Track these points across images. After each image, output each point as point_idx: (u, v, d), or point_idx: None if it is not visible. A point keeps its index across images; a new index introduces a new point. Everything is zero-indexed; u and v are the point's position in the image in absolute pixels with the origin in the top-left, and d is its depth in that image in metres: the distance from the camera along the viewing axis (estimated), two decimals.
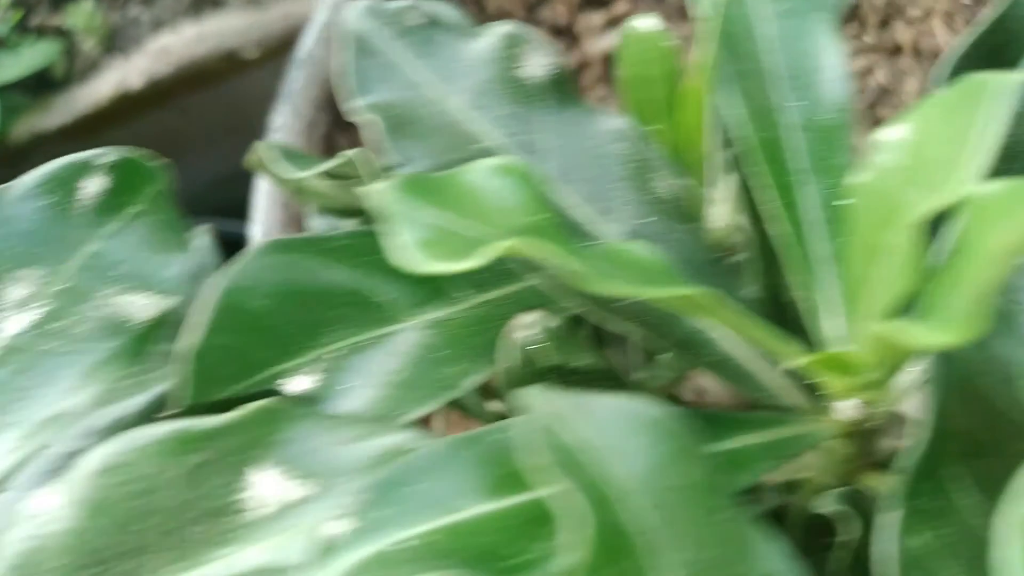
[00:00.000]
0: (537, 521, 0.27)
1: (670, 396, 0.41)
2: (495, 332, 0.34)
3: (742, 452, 0.29)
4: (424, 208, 0.27)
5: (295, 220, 0.76)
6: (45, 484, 0.30)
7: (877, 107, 0.73)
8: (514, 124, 0.34)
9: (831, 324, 0.32)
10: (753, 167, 0.33)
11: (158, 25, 0.92)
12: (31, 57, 0.90)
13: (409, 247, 0.25)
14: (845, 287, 0.31)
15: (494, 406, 0.40)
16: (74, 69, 0.92)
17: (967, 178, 0.24)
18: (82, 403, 0.32)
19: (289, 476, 0.29)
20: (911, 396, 0.33)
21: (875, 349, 0.28)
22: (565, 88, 0.35)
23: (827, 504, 0.31)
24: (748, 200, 0.34)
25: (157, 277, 0.34)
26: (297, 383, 0.32)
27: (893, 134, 0.27)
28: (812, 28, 0.33)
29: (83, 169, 0.34)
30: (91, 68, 0.92)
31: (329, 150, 0.76)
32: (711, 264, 0.34)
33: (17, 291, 0.33)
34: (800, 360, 0.29)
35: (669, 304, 0.31)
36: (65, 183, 0.34)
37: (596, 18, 0.79)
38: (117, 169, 0.35)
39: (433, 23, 0.35)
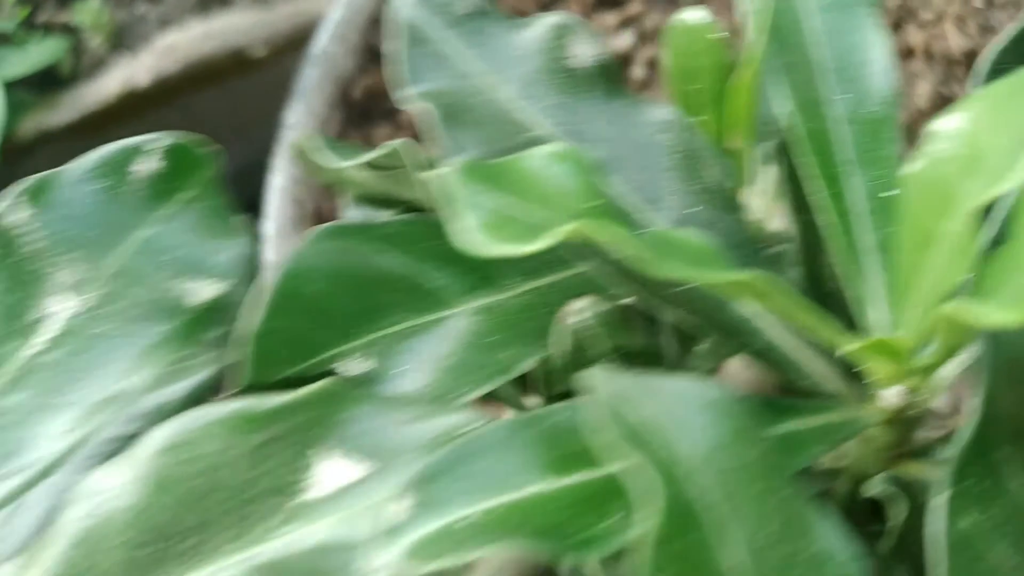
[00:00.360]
0: (599, 498, 0.27)
1: None
2: (543, 318, 0.34)
3: (797, 435, 0.30)
4: (486, 192, 0.27)
5: (307, 217, 0.77)
6: (103, 463, 0.30)
7: None
8: (563, 114, 0.35)
9: (876, 312, 0.32)
10: (800, 158, 0.33)
11: (165, 23, 0.92)
12: (38, 54, 0.90)
13: (473, 230, 0.26)
14: (891, 276, 0.32)
15: (531, 401, 0.40)
16: (81, 66, 0.92)
17: None
18: (136, 385, 0.33)
19: (350, 455, 0.30)
20: (952, 385, 0.33)
21: (926, 334, 0.29)
22: (612, 77, 0.36)
23: (874, 488, 0.32)
24: (793, 191, 0.35)
25: (210, 262, 0.34)
26: (353, 366, 0.32)
27: (948, 124, 0.28)
28: (858, 23, 0.34)
29: (136, 153, 0.35)
30: (98, 65, 0.91)
31: None
32: (754, 253, 0.35)
33: (72, 274, 0.33)
34: (851, 346, 0.29)
35: (722, 289, 0.32)
36: (118, 167, 0.34)
37: (610, 18, 0.80)
38: (169, 154, 0.35)
39: (482, 12, 0.36)
